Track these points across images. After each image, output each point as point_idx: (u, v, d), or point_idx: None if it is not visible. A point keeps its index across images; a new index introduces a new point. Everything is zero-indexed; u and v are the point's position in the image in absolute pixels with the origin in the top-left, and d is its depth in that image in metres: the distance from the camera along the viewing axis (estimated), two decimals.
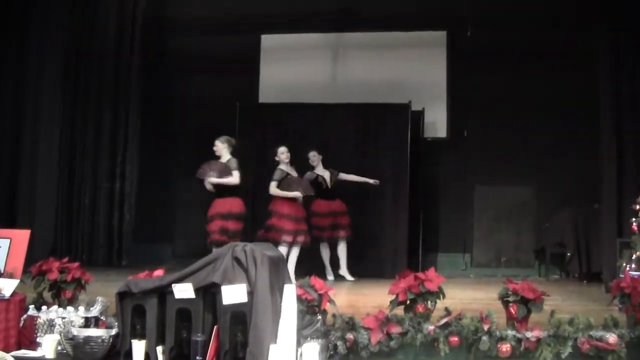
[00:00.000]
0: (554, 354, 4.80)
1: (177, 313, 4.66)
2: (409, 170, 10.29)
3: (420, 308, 5.07)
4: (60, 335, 4.89)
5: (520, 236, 10.97)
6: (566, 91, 10.32)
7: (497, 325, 4.94)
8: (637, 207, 7.47)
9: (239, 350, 4.54)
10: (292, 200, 8.87)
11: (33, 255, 5.96)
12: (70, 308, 5.33)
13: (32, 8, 9.86)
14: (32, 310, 5.28)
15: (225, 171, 8.47)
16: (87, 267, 6.69)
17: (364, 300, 7.13)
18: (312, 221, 9.21)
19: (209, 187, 8.61)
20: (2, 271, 5.29)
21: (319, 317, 4.98)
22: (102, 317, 5.19)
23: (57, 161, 9.97)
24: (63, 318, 5.10)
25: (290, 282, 4.89)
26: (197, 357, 4.47)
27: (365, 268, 9.50)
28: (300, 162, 9.25)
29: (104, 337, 4.76)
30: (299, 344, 4.51)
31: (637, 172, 8.34)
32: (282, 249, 8.62)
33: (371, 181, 9.61)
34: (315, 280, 5.16)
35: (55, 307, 5.34)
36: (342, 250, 9.45)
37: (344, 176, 9.55)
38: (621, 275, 6.77)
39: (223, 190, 8.54)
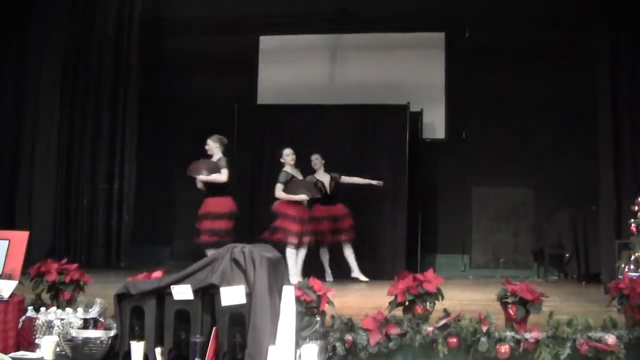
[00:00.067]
0: (552, 355, 4.80)
1: (176, 314, 4.67)
2: (407, 171, 10.28)
3: (419, 309, 5.07)
4: (59, 336, 4.90)
5: (519, 237, 10.97)
6: (565, 91, 10.30)
7: (495, 327, 4.95)
8: (636, 208, 7.47)
9: (237, 351, 4.55)
10: (297, 201, 8.84)
11: (31, 256, 5.96)
12: (69, 309, 5.33)
13: (32, 8, 9.88)
14: (30, 312, 5.28)
15: (215, 170, 8.53)
16: (86, 268, 6.71)
17: (363, 301, 7.13)
18: (311, 226, 9.18)
19: (199, 185, 8.68)
20: (0, 272, 5.28)
21: (318, 318, 4.99)
22: (100, 319, 5.19)
23: (55, 161, 9.97)
24: (62, 319, 5.11)
25: (289, 283, 4.89)
26: (196, 359, 4.47)
27: (363, 269, 9.48)
28: (298, 164, 9.23)
29: (102, 339, 4.76)
30: (297, 345, 4.51)
31: (636, 173, 8.35)
32: (291, 251, 8.61)
33: (375, 182, 9.56)
34: (314, 282, 5.16)
35: (53, 308, 5.35)
36: (349, 253, 9.41)
37: (346, 179, 9.50)
38: (620, 277, 6.80)
39: (213, 189, 8.59)
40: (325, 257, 9.45)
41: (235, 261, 4.63)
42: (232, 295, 4.48)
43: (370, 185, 9.59)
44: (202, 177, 8.54)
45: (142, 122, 10.70)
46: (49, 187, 9.86)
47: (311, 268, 8.66)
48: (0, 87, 9.84)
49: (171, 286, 4.64)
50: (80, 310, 5.27)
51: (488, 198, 11.08)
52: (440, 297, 5.13)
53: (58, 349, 4.86)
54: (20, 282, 5.32)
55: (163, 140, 11.23)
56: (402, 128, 10.38)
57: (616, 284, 5.31)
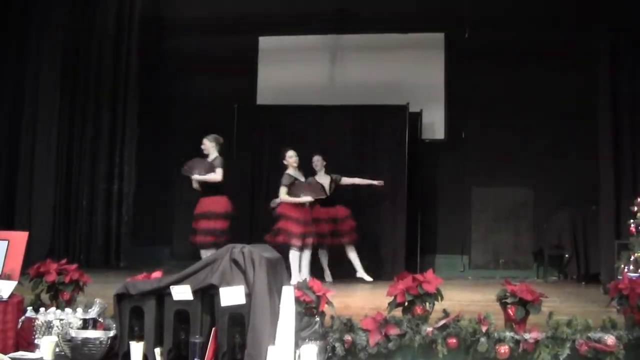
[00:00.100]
0: (552, 355, 4.81)
1: (175, 315, 4.67)
2: (406, 171, 10.27)
3: (418, 310, 5.08)
4: (58, 337, 4.90)
5: (519, 237, 10.96)
6: (565, 91, 10.29)
7: (495, 327, 4.95)
8: (635, 208, 7.47)
9: (237, 351, 4.55)
10: (300, 203, 8.83)
11: (31, 257, 5.96)
12: (68, 310, 5.34)
13: (32, 8, 9.87)
14: (30, 312, 5.29)
15: (210, 169, 8.56)
16: (85, 268, 6.70)
17: (362, 301, 7.13)
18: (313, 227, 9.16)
19: (195, 185, 8.70)
20: (0, 273, 5.28)
21: (317, 318, 4.99)
22: (100, 319, 5.19)
23: (55, 161, 9.97)
24: (61, 320, 5.11)
25: (288, 283, 4.89)
26: (195, 359, 4.47)
27: (363, 269, 9.48)
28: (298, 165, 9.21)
29: (102, 339, 4.77)
30: (297, 345, 4.51)
31: (636, 173, 8.35)
32: (294, 254, 8.60)
33: (376, 182, 9.52)
34: (314, 282, 5.16)
35: (53, 308, 5.35)
36: (352, 254, 9.39)
37: (347, 180, 9.46)
38: (619, 277, 6.81)
39: (208, 189, 8.61)
40: (324, 259, 9.44)
41: (235, 261, 4.63)
42: (231, 295, 4.48)
43: (371, 185, 9.55)
44: (197, 176, 8.58)
45: (142, 122, 10.69)
46: (48, 187, 9.85)
47: (311, 269, 8.67)
48: (0, 87, 9.85)
49: (171, 286, 4.64)
50: (79, 310, 5.28)
51: (488, 198, 11.07)
52: (439, 298, 5.13)
53: (57, 350, 4.86)
54: (19, 283, 5.33)
55: (163, 140, 11.23)
56: (402, 128, 10.37)
57: (615, 284, 5.31)
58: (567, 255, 9.97)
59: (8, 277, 5.23)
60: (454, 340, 4.91)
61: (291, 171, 8.89)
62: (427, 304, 5.10)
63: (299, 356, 4.48)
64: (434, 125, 11.05)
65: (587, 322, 4.95)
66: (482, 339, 4.87)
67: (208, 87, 11.17)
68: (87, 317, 5.15)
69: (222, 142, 8.81)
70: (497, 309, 5.12)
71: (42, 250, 8.90)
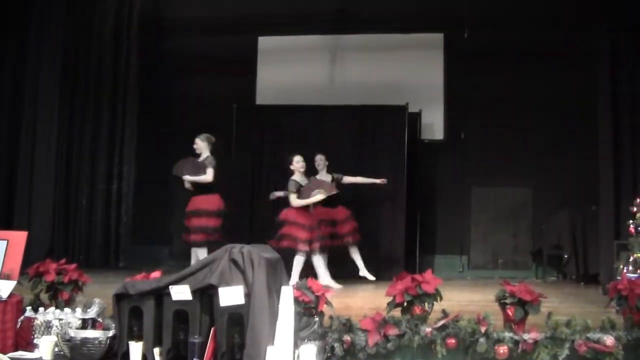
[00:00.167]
0: (551, 356, 4.81)
1: (175, 315, 4.67)
2: (406, 172, 10.25)
3: (417, 310, 5.08)
4: (58, 336, 4.91)
5: (518, 238, 10.96)
6: (565, 91, 10.28)
7: (494, 327, 4.95)
8: (635, 209, 7.47)
9: (236, 352, 4.55)
10: (305, 208, 8.77)
11: (30, 256, 5.96)
12: (67, 310, 5.35)
13: (32, 8, 9.86)
14: (29, 312, 5.29)
15: (201, 168, 8.56)
16: (85, 268, 6.70)
17: (361, 302, 7.13)
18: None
19: (187, 185, 8.71)
20: None
21: (316, 319, 4.99)
22: (99, 319, 5.20)
23: (55, 161, 9.96)
24: (60, 320, 5.12)
25: (287, 283, 4.89)
26: (194, 359, 4.47)
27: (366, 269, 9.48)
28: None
29: (101, 339, 4.77)
30: (296, 345, 4.51)
31: (636, 173, 8.34)
32: (299, 259, 8.58)
33: (378, 181, 9.44)
34: (312, 282, 5.16)
35: (52, 308, 5.36)
36: (355, 254, 9.35)
37: (349, 179, 9.38)
38: (618, 278, 6.81)
39: (200, 188, 8.64)
40: (324, 259, 9.41)
41: (234, 261, 4.63)
42: (230, 295, 4.48)
43: (374, 184, 9.47)
44: (188, 177, 8.62)
45: (141, 122, 10.69)
46: (48, 187, 9.85)
47: (310, 269, 8.66)
48: (0, 87, 9.85)
49: (170, 286, 4.64)
50: (78, 310, 5.28)
51: (487, 198, 11.07)
52: (438, 298, 5.14)
53: (56, 349, 4.87)
54: (18, 282, 5.33)
55: (162, 140, 11.21)
56: (401, 129, 10.36)
57: (615, 285, 5.30)
58: (566, 256, 9.97)
59: (7, 277, 5.24)
60: (453, 341, 4.91)
61: (297, 177, 8.80)
62: (426, 304, 5.10)
63: (298, 356, 4.48)
64: (434, 126, 11.05)
65: (586, 323, 4.96)
66: (481, 340, 4.87)
67: (208, 87, 11.17)
68: (86, 317, 5.15)
69: (214, 141, 8.80)
70: (496, 310, 5.12)
71: (41, 250, 8.89)
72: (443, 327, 4.96)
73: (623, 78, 8.50)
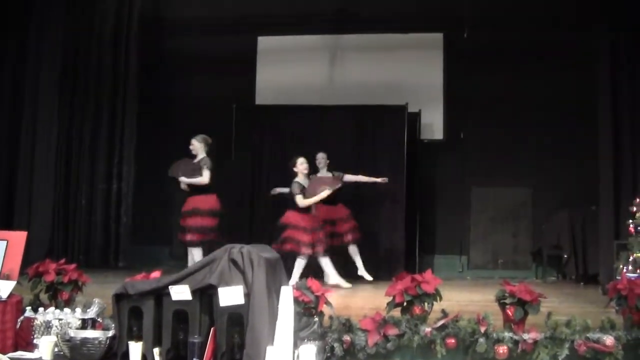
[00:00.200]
0: (551, 356, 4.81)
1: (174, 315, 4.67)
2: (405, 172, 10.25)
3: (417, 310, 5.08)
4: (57, 336, 4.90)
5: (518, 238, 10.95)
6: (565, 91, 10.27)
7: (494, 327, 4.96)
8: (634, 209, 7.47)
9: (235, 352, 4.55)
10: (307, 210, 8.76)
11: (30, 256, 5.97)
12: (67, 310, 5.34)
13: (32, 8, 9.87)
14: (29, 312, 5.29)
15: (196, 170, 8.55)
16: (84, 268, 6.70)
17: (361, 302, 7.13)
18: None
19: (183, 186, 8.72)
20: None
21: (316, 319, 4.99)
22: (99, 319, 5.20)
23: (54, 161, 9.96)
24: (60, 320, 5.11)
25: (287, 284, 4.89)
26: (194, 359, 4.47)
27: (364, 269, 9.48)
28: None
29: (100, 339, 4.77)
30: (295, 345, 4.51)
31: (636, 173, 8.35)
32: (300, 261, 8.57)
33: (379, 180, 9.44)
34: (312, 282, 5.16)
35: (52, 308, 5.35)
36: (354, 252, 9.36)
37: (350, 177, 9.35)
38: (618, 277, 6.81)
39: (197, 188, 8.64)
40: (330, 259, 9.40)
41: (234, 261, 4.63)
42: (230, 295, 4.48)
43: (375, 183, 9.45)
44: (184, 179, 8.63)
45: (141, 122, 10.68)
46: (47, 187, 9.85)
47: (310, 268, 8.66)
48: (0, 87, 9.85)
49: (169, 286, 4.64)
50: (78, 310, 5.28)
51: (487, 198, 11.06)
52: (438, 298, 5.14)
53: (56, 349, 4.86)
54: (18, 282, 5.33)
55: (162, 141, 11.20)
56: (401, 129, 10.34)
57: (614, 285, 5.31)
58: (565, 256, 9.97)
59: (7, 277, 5.24)
60: (453, 341, 4.91)
61: (300, 178, 8.77)
62: (426, 304, 5.11)
63: (298, 356, 4.48)
64: (433, 126, 11.04)
65: (585, 323, 4.96)
66: (481, 340, 4.87)
67: (207, 87, 11.16)
68: (86, 317, 5.15)
69: (210, 142, 8.79)
70: (495, 309, 5.12)
71: (41, 250, 8.90)
72: (443, 327, 4.96)
73: (623, 78, 8.50)
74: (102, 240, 10.42)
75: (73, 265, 5.87)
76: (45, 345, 4.85)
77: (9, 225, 8.86)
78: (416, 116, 10.71)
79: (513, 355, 4.86)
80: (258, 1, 11.04)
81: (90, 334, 4.90)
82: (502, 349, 4.83)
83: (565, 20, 10.10)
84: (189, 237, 8.53)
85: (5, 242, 5.42)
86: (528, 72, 10.49)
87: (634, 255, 7.16)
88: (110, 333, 4.84)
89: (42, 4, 9.91)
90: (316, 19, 11.13)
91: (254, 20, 11.14)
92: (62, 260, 5.96)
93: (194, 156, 8.73)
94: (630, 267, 7.11)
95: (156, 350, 4.65)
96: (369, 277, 9.19)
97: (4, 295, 5.08)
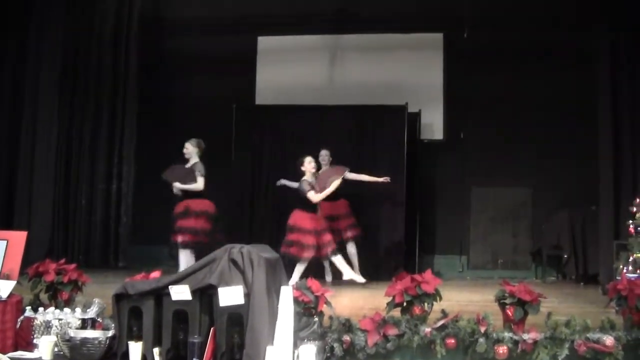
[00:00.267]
0: (550, 356, 4.81)
1: (174, 315, 4.67)
2: (405, 172, 10.24)
3: (417, 310, 5.08)
4: (57, 336, 4.90)
5: (517, 238, 10.95)
6: (565, 91, 10.27)
7: (493, 327, 4.96)
8: (634, 209, 7.47)
9: (235, 352, 4.55)
10: (313, 210, 8.71)
11: (30, 256, 5.97)
12: (67, 309, 5.35)
13: (32, 8, 9.87)
14: (29, 312, 5.29)
15: (189, 176, 8.53)
16: (84, 268, 6.70)
17: (361, 302, 7.13)
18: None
19: (176, 191, 8.69)
20: None
21: (316, 319, 4.99)
22: (98, 319, 5.20)
23: (54, 161, 9.97)
24: (60, 319, 5.12)
25: (287, 283, 4.89)
26: (194, 359, 4.47)
27: (361, 270, 9.45)
28: (292, 164, 9.16)
29: (100, 339, 4.77)
30: (295, 345, 4.51)
31: (636, 173, 8.34)
32: (301, 266, 8.57)
33: (381, 179, 9.43)
34: (312, 282, 5.16)
35: (52, 308, 5.36)
36: (351, 251, 9.36)
37: (352, 176, 9.33)
38: (618, 278, 6.81)
39: (190, 193, 8.62)
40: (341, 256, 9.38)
41: (234, 261, 4.63)
42: (230, 295, 4.48)
43: (377, 182, 9.44)
44: (179, 185, 8.61)
45: (141, 122, 10.69)
46: (47, 187, 9.85)
47: (310, 268, 8.66)
48: (0, 87, 9.85)
49: (169, 286, 4.64)
50: (78, 310, 5.28)
51: (486, 198, 11.06)
52: (438, 298, 5.14)
53: (56, 349, 4.86)
54: (18, 282, 5.34)
55: (162, 141, 11.18)
56: (401, 129, 10.33)
57: (614, 285, 5.31)
58: (565, 256, 9.97)
59: (7, 277, 5.24)
60: (453, 341, 4.91)
61: (308, 177, 8.76)
62: (426, 304, 5.11)
63: (298, 356, 4.48)
64: (433, 126, 11.04)
65: (585, 323, 4.96)
66: (481, 340, 4.87)
67: (207, 87, 11.16)
68: (86, 317, 5.15)
69: (204, 147, 8.78)
70: (495, 310, 5.12)
71: (41, 250, 8.91)
72: (442, 327, 4.96)
73: (623, 78, 8.50)
74: (102, 240, 10.43)
75: (73, 265, 5.88)
76: (45, 345, 4.85)
77: (9, 225, 8.86)
78: (416, 116, 10.71)
79: (513, 355, 4.86)
80: (258, 1, 11.04)
81: (90, 334, 4.90)
82: (502, 349, 4.83)
83: (565, 20, 10.10)
84: (180, 238, 8.51)
85: (5, 242, 5.42)
86: (528, 72, 10.49)
87: (634, 255, 7.16)
88: (110, 333, 4.84)
89: (42, 4, 9.91)
90: (316, 19, 11.13)
91: (254, 20, 11.14)
92: (62, 260, 5.96)
93: (187, 160, 8.71)
94: (630, 268, 7.11)
95: (156, 350, 4.65)
96: (361, 280, 9.06)
97: (4, 295, 5.09)
